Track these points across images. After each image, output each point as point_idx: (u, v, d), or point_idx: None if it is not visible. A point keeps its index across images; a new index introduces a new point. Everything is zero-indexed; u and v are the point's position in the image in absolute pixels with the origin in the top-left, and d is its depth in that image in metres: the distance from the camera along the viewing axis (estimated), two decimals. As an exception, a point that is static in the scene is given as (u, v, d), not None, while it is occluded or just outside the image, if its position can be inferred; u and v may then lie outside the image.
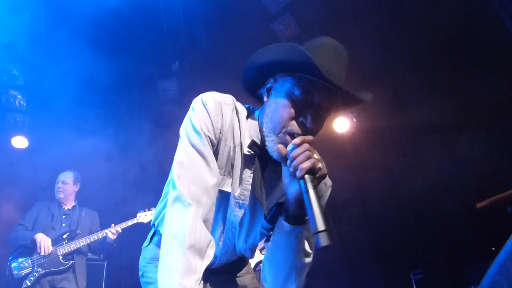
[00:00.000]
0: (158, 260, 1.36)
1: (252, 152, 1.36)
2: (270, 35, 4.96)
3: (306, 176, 1.16)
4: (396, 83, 5.34)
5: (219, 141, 1.36)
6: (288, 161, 1.22)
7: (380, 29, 5.12)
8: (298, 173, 1.17)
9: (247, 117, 1.44)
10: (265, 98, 1.39)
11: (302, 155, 1.18)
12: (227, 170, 1.39)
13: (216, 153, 1.36)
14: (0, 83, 4.37)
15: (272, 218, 1.38)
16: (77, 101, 4.69)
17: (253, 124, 1.41)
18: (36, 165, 4.88)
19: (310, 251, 1.39)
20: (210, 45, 5.13)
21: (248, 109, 1.49)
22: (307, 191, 1.14)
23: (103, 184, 4.82)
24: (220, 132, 1.35)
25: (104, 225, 4.24)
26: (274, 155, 1.30)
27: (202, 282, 1.21)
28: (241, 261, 1.64)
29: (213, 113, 1.34)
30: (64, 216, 4.12)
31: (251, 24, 4.87)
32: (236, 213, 1.41)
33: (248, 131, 1.40)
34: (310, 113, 1.27)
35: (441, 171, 5.27)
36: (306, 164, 1.16)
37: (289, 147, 1.22)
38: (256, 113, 1.45)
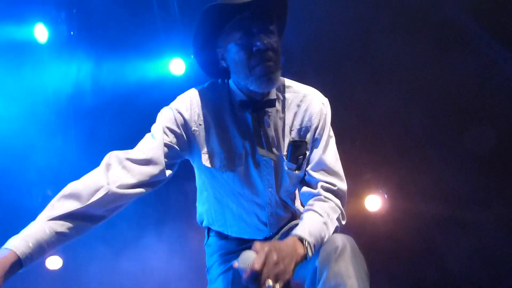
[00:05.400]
0: (219, 251, 1.72)
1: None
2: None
3: None
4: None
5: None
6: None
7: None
8: None
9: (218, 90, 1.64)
10: (224, 64, 1.57)
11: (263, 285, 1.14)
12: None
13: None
14: (35, 205, 4.59)
15: (292, 156, 1.57)
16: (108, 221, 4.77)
17: (232, 90, 1.60)
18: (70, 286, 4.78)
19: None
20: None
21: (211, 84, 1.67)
22: None
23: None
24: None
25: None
26: (261, 87, 1.47)
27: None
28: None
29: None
30: None
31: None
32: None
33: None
34: (257, 38, 1.42)
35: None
36: None
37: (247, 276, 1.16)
38: (231, 82, 1.62)
